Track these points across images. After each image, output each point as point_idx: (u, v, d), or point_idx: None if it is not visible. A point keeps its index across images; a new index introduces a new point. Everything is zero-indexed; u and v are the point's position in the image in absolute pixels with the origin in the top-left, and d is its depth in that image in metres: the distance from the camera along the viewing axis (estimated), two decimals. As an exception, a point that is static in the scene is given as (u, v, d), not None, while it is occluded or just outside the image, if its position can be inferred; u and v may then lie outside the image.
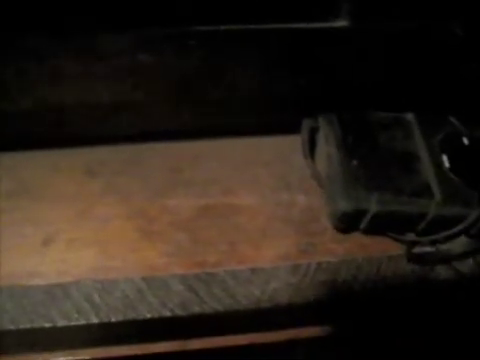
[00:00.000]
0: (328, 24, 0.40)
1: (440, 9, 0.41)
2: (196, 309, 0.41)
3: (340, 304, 0.43)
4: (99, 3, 0.37)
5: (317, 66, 0.44)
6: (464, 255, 0.45)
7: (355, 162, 0.44)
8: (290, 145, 0.49)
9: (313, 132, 0.48)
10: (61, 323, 0.40)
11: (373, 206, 0.42)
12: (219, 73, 0.43)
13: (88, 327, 0.40)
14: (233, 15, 0.39)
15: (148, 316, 0.40)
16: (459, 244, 0.44)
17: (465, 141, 0.47)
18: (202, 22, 0.39)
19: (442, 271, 0.44)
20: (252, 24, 0.39)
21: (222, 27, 0.39)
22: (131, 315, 0.40)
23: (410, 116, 0.48)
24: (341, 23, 0.40)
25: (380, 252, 0.44)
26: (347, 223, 0.44)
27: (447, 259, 0.44)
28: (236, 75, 0.43)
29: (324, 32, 0.41)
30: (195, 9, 0.38)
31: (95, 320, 0.40)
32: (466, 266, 0.45)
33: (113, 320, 0.40)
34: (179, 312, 0.40)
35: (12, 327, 0.39)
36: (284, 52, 0.42)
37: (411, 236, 0.45)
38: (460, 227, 0.43)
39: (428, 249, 0.45)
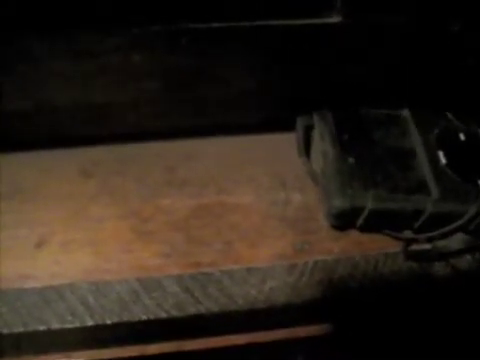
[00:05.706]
0: (322, 20, 0.40)
1: (435, 4, 0.41)
2: (192, 310, 0.40)
3: (337, 302, 0.43)
4: (90, 2, 0.37)
5: (311, 63, 0.44)
6: (461, 252, 0.44)
7: (350, 159, 0.44)
8: (285, 143, 0.49)
9: (308, 130, 0.47)
10: (55, 326, 0.39)
11: (369, 203, 0.42)
12: (212, 71, 0.43)
13: (83, 330, 0.40)
14: (226, 12, 0.38)
15: (143, 318, 0.40)
16: (456, 241, 0.44)
17: (462, 137, 0.47)
18: (194, 20, 0.38)
19: (439, 268, 0.44)
20: (245, 21, 0.39)
21: (214, 24, 0.39)
22: (126, 317, 0.40)
23: (406, 112, 0.48)
24: (335, 19, 0.40)
25: (377, 250, 0.44)
26: (343, 221, 0.44)
27: (444, 256, 0.44)
28: (229, 73, 0.43)
29: (318, 28, 0.40)
30: (187, 7, 0.37)
31: (90, 322, 0.40)
32: (463, 263, 0.44)
33: (108, 322, 0.40)
34: (175, 313, 0.40)
35: (6, 331, 0.39)
36: (278, 49, 0.42)
37: (408, 233, 0.44)
38: (457, 224, 0.42)
39: (425, 246, 0.44)
